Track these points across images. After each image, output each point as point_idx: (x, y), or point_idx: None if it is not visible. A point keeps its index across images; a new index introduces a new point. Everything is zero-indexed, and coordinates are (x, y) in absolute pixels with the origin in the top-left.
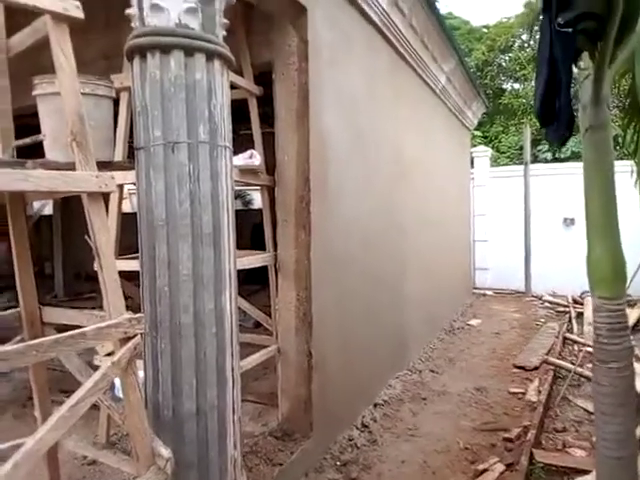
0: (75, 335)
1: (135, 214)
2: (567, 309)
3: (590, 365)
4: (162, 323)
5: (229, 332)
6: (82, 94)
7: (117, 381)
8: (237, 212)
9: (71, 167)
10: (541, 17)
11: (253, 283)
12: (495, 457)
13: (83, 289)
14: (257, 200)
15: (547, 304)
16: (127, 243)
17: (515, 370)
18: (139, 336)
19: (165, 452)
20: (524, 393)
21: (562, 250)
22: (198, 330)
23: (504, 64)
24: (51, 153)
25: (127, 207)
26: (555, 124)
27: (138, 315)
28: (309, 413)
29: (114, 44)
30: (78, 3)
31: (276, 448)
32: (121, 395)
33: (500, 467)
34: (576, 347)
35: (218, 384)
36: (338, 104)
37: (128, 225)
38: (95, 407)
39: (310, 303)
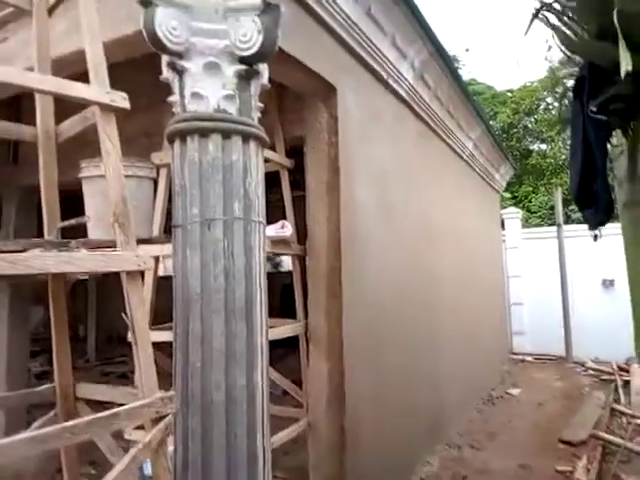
0: (109, 417)
1: (167, 277)
2: (612, 377)
3: None
4: (194, 400)
5: (260, 408)
6: (125, 176)
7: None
8: (267, 274)
9: (112, 245)
10: (572, 99)
11: (281, 346)
12: None
13: (115, 352)
14: (286, 261)
15: (590, 371)
16: (159, 307)
17: (561, 445)
18: (171, 415)
19: None
20: (572, 471)
21: (602, 313)
22: (229, 407)
23: (530, 126)
24: (94, 232)
25: (160, 270)
26: (593, 208)
27: (170, 394)
28: None
29: (155, 122)
30: (125, 95)
31: None
32: (149, 472)
33: None
34: (624, 419)
35: (249, 464)
36: (367, 175)
37: (160, 289)
38: None
39: (343, 375)
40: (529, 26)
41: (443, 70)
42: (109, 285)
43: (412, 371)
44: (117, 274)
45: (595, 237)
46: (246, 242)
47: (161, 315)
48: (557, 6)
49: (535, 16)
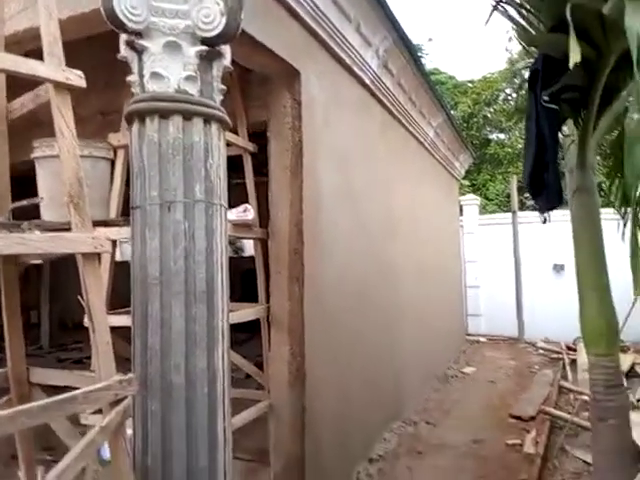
0: (65, 400)
1: (124, 263)
2: (561, 356)
3: (586, 414)
4: (153, 383)
5: (221, 391)
6: (80, 156)
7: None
8: (229, 260)
9: (66, 227)
10: (527, 91)
11: (243, 331)
12: None
13: (69, 339)
14: (247, 247)
15: (541, 351)
16: (116, 291)
17: (511, 420)
18: (129, 398)
19: None
20: (521, 445)
21: (553, 296)
22: (189, 390)
23: (489, 116)
24: (47, 214)
25: (117, 256)
26: (544, 195)
27: (129, 376)
28: (302, 471)
29: (112, 102)
30: (80, 73)
31: None
32: (107, 455)
33: None
34: (572, 396)
35: (209, 446)
36: (331, 161)
37: (116, 273)
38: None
39: (304, 357)
40: (489, 18)
41: (407, 58)
42: (63, 270)
43: (371, 353)
44: (72, 257)
45: (544, 220)
46: (207, 225)
47: (118, 301)
48: None
49: (495, 8)
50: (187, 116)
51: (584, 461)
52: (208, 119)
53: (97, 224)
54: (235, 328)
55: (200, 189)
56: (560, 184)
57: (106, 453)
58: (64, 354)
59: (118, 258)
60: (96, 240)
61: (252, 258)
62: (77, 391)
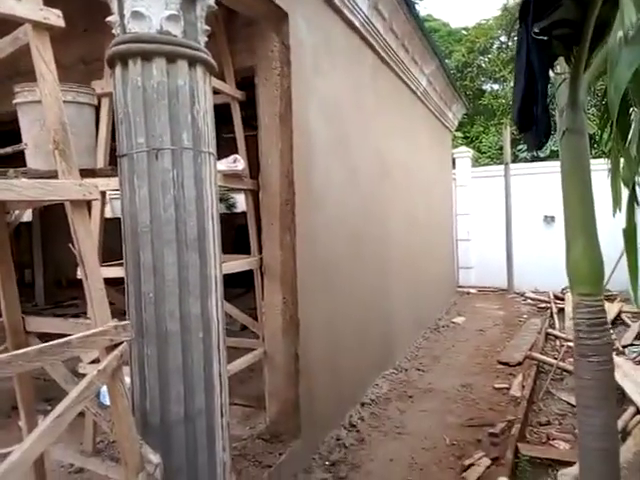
0: (60, 344)
1: (116, 219)
2: (549, 305)
3: (572, 359)
4: (148, 329)
5: (216, 337)
6: (64, 102)
7: (103, 388)
8: (221, 215)
9: (53, 175)
10: (518, 25)
11: (238, 286)
12: (481, 452)
13: (64, 296)
14: (240, 203)
15: (529, 301)
16: (108, 248)
17: (499, 366)
18: (125, 343)
19: (154, 458)
20: (508, 388)
21: (543, 247)
22: (185, 336)
23: (483, 65)
24: (33, 161)
25: (108, 212)
26: (533, 130)
27: (124, 322)
28: (297, 415)
29: (93, 49)
30: (59, 12)
31: (265, 450)
32: (107, 402)
33: (486, 461)
34: (558, 342)
35: (206, 389)
36: (321, 108)
37: (109, 230)
38: (81, 415)
39: (296, 305)
40: None
41: (398, 2)
42: (54, 228)
43: (364, 302)
44: (62, 210)
45: (532, 158)
46: (196, 173)
47: (110, 257)
48: None
49: None
50: (171, 58)
51: (568, 403)
52: (193, 62)
53: (85, 174)
54: (230, 283)
55: (187, 136)
56: (549, 119)
57: (106, 399)
58: (60, 310)
59: (109, 215)
60: (84, 187)
61: (245, 214)
62: (72, 336)
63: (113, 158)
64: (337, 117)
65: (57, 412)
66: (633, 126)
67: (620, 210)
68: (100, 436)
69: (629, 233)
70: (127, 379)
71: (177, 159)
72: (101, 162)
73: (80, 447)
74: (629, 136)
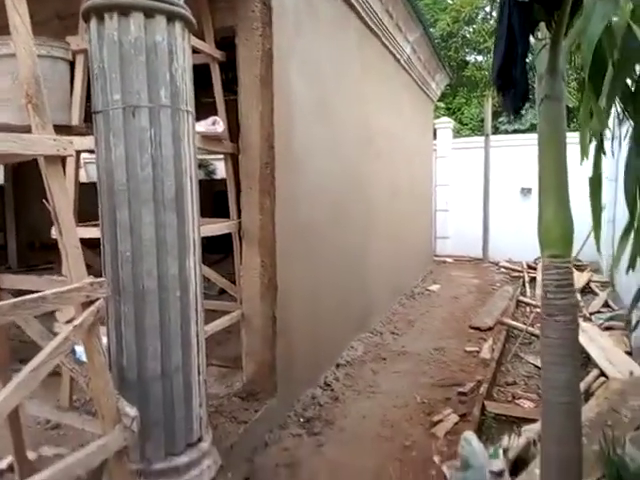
0: (35, 299)
1: (91, 184)
2: (521, 274)
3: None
4: (125, 288)
5: (193, 297)
6: (37, 56)
7: (78, 348)
8: (200, 182)
9: (27, 130)
10: None
11: (216, 252)
12: (450, 409)
13: (37, 260)
14: (220, 170)
15: (503, 270)
16: (83, 212)
17: (471, 331)
18: (102, 300)
19: (131, 411)
20: (478, 351)
21: (519, 219)
22: (162, 295)
23: (468, 36)
24: (4, 116)
25: (83, 177)
26: (511, 92)
27: (100, 279)
28: (273, 375)
29: (68, 4)
30: None
31: (241, 407)
32: (84, 359)
33: (454, 418)
34: (528, 309)
35: (183, 347)
36: (303, 71)
37: (83, 195)
38: (57, 374)
39: (275, 269)
40: None
41: None
42: (27, 191)
43: (342, 266)
44: (36, 172)
45: (511, 114)
46: (174, 132)
47: (85, 220)
48: None
49: None
50: (148, 13)
51: (535, 365)
52: (171, 17)
53: (59, 130)
54: (208, 249)
55: (165, 93)
56: (527, 82)
57: (82, 356)
58: (34, 274)
59: (84, 179)
60: (58, 142)
61: (224, 180)
62: (48, 291)
63: (88, 117)
64: (319, 82)
65: (32, 365)
66: (605, 79)
67: (587, 158)
68: (77, 394)
69: (595, 181)
70: (104, 339)
71: (155, 117)
72: (76, 120)
73: (56, 404)
74: (601, 90)
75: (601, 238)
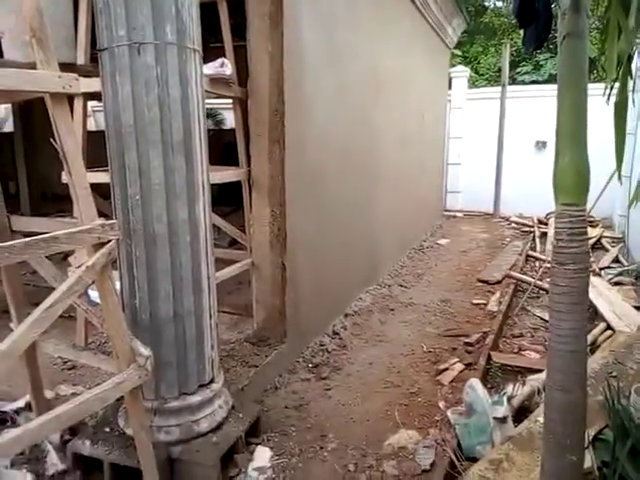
0: (47, 239)
1: (100, 132)
2: (532, 229)
3: (549, 280)
4: (136, 232)
5: (204, 242)
6: None
7: (92, 293)
8: (208, 131)
9: (32, 67)
10: None
11: (226, 204)
12: (455, 358)
13: (50, 209)
14: (229, 120)
15: (514, 225)
16: (92, 162)
17: (479, 284)
18: (113, 242)
19: (145, 351)
20: (486, 304)
21: (532, 173)
22: (172, 239)
23: None
24: (10, 54)
25: (92, 126)
26: (533, 25)
27: (111, 221)
28: (283, 321)
29: None
30: None
31: (252, 352)
32: (98, 301)
33: (460, 366)
34: (537, 263)
35: (194, 290)
36: (314, 13)
37: (93, 144)
38: (71, 318)
39: (284, 218)
40: None
41: None
42: (38, 139)
43: (351, 218)
44: (44, 119)
45: (534, 47)
46: (181, 71)
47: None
48: None
49: None
50: None
51: (542, 318)
52: None
53: (64, 68)
54: (219, 201)
55: (171, 29)
56: (551, 14)
57: (96, 297)
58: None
59: (92, 128)
60: (64, 79)
61: (233, 131)
62: (60, 231)
63: (95, 60)
64: (330, 23)
65: (47, 303)
66: None
67: (614, 81)
68: (92, 337)
69: (620, 106)
70: (117, 284)
71: (160, 55)
72: (82, 59)
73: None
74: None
75: (616, 195)
